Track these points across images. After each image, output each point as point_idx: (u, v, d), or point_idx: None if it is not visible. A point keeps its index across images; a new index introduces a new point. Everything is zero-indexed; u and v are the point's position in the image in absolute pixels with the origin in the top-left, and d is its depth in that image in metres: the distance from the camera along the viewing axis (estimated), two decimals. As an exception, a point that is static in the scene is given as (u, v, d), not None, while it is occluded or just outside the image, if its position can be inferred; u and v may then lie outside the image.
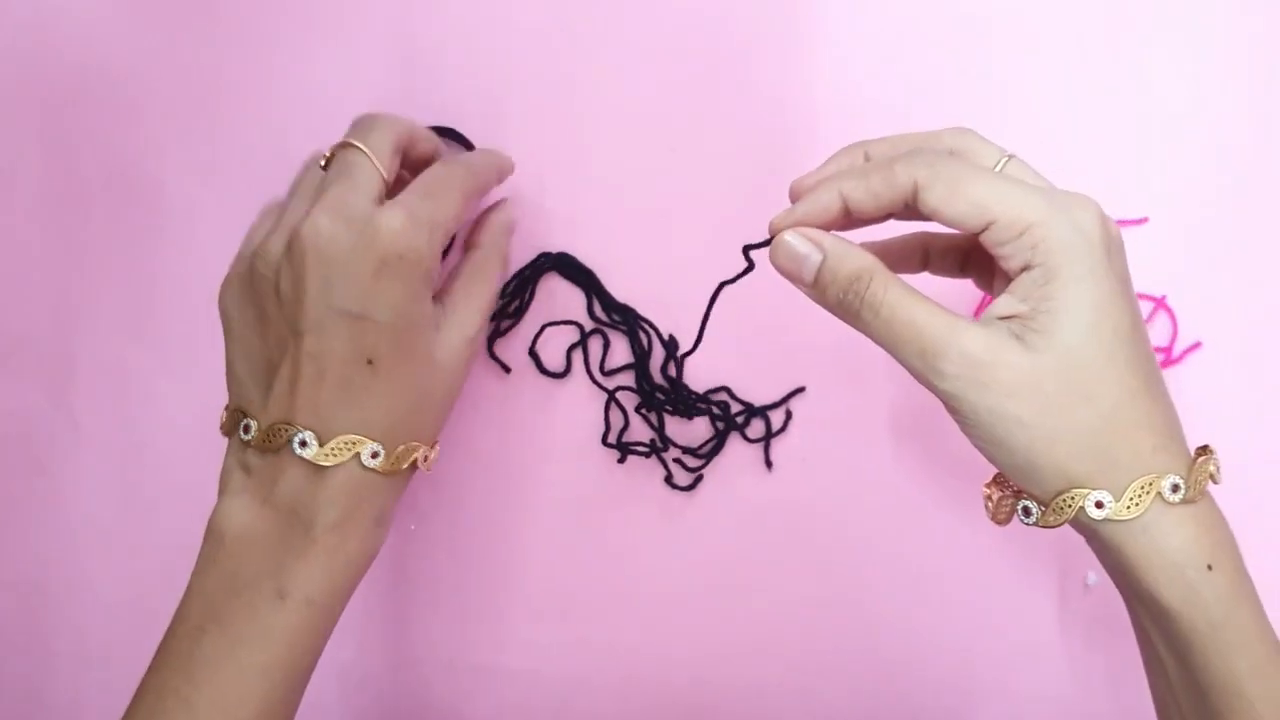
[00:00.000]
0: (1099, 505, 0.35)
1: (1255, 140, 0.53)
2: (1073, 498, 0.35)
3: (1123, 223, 0.52)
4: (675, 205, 0.53)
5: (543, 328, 0.53)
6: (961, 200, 0.35)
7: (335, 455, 0.39)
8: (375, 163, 0.41)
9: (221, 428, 0.42)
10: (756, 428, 0.53)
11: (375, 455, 0.39)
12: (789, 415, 0.53)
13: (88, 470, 0.55)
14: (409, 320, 0.40)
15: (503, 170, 0.49)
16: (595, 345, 0.53)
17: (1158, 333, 0.53)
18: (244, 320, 0.41)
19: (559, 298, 0.53)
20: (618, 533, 0.54)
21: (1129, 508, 0.35)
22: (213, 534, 0.40)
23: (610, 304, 0.53)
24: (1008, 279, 0.36)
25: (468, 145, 0.52)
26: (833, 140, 0.53)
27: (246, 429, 0.40)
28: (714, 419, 0.53)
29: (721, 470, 0.54)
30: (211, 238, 0.55)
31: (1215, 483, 0.37)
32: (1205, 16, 0.53)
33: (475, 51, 0.54)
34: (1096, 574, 0.53)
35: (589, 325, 0.53)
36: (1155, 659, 0.38)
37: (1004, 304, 0.36)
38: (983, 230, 0.35)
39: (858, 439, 0.53)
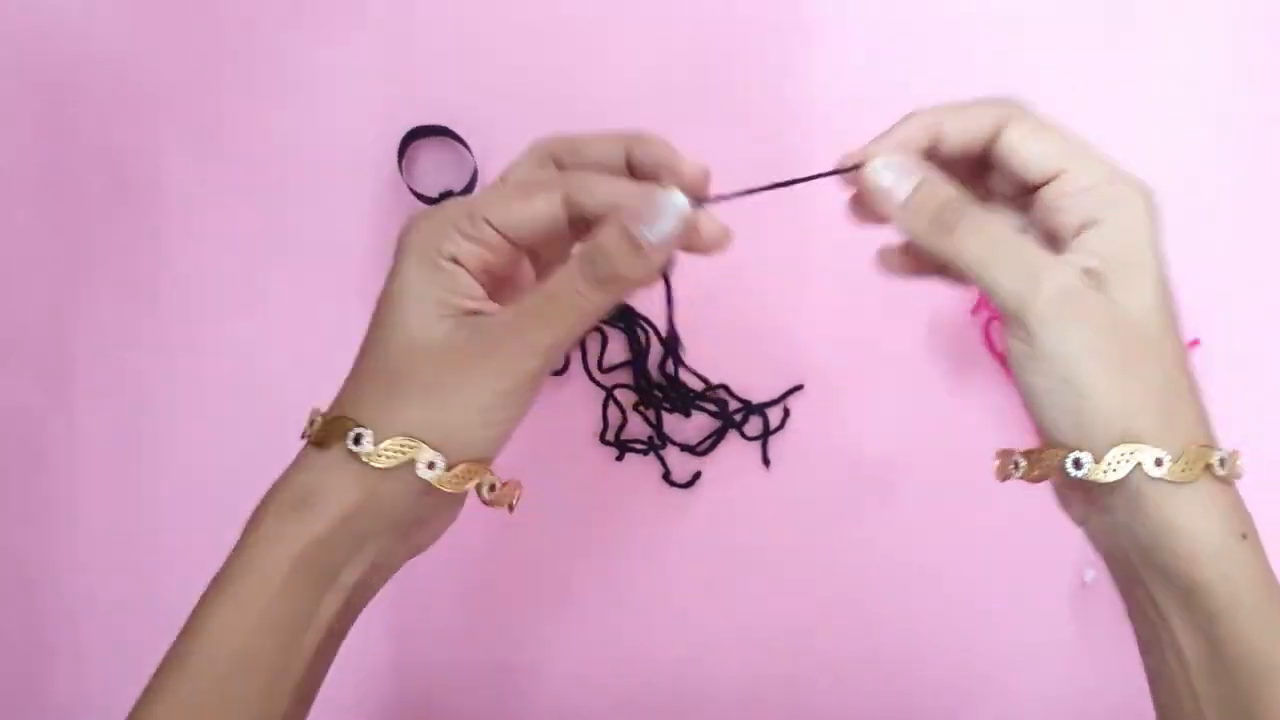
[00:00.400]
0: (1158, 463, 0.34)
1: (1255, 138, 0.53)
2: (1133, 452, 0.34)
3: (1121, 220, 0.53)
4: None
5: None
6: (1042, 142, 0.36)
7: (309, 431, 0.38)
8: (512, 173, 0.38)
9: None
10: (755, 425, 0.53)
11: (312, 424, 0.37)
12: (787, 413, 0.53)
13: (86, 468, 0.55)
14: (391, 293, 0.37)
15: (631, 196, 0.37)
16: (593, 343, 0.53)
17: (1156, 330, 0.52)
18: None
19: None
20: (616, 530, 0.54)
21: (1185, 470, 0.34)
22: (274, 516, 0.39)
23: None
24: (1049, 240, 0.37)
25: (465, 147, 0.52)
26: (833, 138, 0.53)
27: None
28: (712, 416, 0.53)
29: (719, 468, 0.54)
30: (210, 236, 0.55)
31: (1239, 478, 0.36)
32: (1206, 14, 0.53)
33: (474, 49, 0.54)
34: (1095, 571, 0.53)
35: None
36: (1171, 645, 0.36)
37: (1075, 258, 0.36)
38: (1052, 178, 0.36)
39: (856, 437, 0.53)
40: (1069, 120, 0.53)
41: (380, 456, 0.35)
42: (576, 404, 0.53)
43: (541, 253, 0.39)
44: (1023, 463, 0.37)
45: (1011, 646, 0.53)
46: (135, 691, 0.54)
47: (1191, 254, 0.53)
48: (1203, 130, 0.53)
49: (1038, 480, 0.37)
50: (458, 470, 0.36)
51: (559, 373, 0.53)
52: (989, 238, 0.36)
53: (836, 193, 0.53)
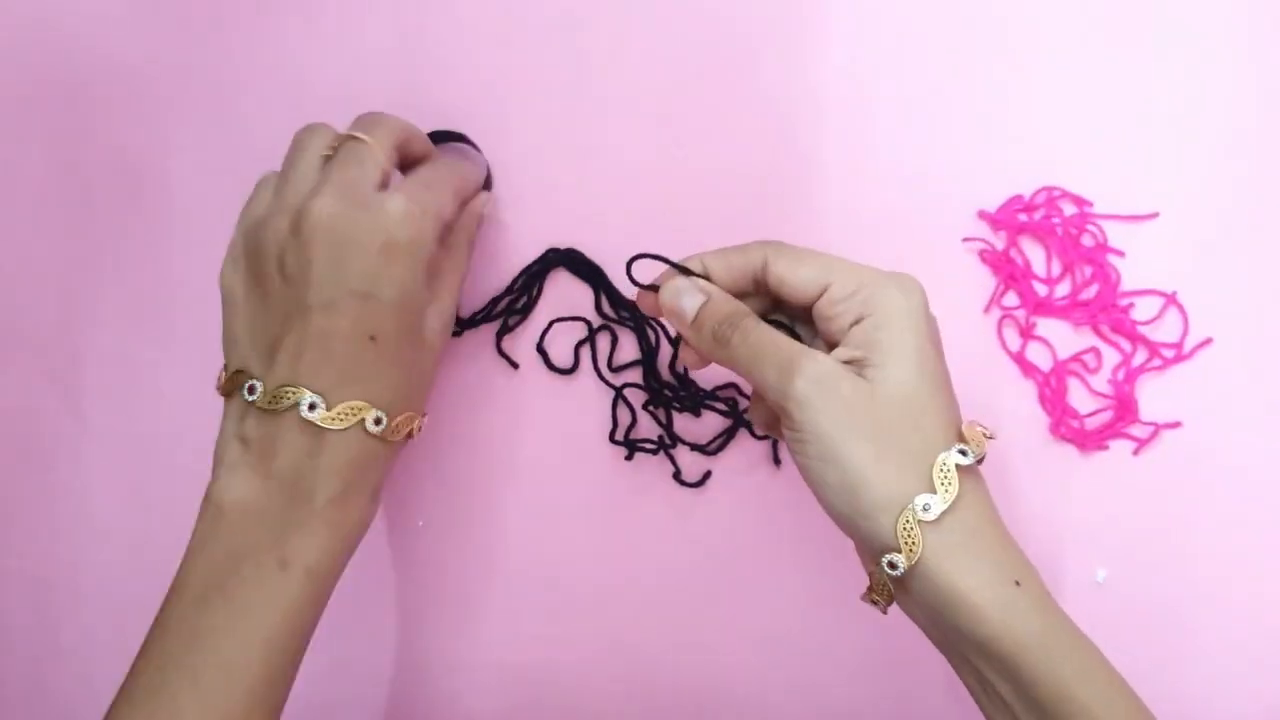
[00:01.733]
0: (926, 508, 0.38)
1: (1267, 135, 0.52)
2: (911, 516, 0.38)
3: (1133, 218, 0.52)
4: (684, 200, 0.53)
5: (550, 324, 0.53)
6: (805, 267, 0.41)
7: (342, 420, 0.40)
8: (380, 154, 0.43)
9: (219, 388, 0.43)
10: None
11: (379, 422, 0.41)
12: None
13: (94, 464, 0.55)
14: (410, 300, 0.42)
15: (477, 180, 0.51)
16: (603, 341, 0.53)
17: (1169, 329, 0.52)
18: (246, 294, 0.42)
19: (567, 294, 0.53)
20: (625, 529, 0.54)
21: (946, 490, 0.38)
22: (211, 506, 0.41)
23: (618, 300, 0.53)
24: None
25: (474, 148, 0.52)
26: (838, 136, 0.53)
27: (251, 389, 0.41)
28: (723, 415, 0.53)
29: (729, 467, 0.53)
30: (216, 231, 0.54)
31: (990, 439, 0.40)
32: (1215, 10, 0.52)
33: (482, 46, 0.54)
34: (1106, 571, 0.53)
35: (596, 322, 0.53)
36: (996, 698, 0.39)
37: (840, 353, 0.40)
38: (821, 293, 0.41)
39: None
40: (1078, 116, 0.53)
41: (336, 420, 0.41)
42: (586, 404, 0.53)
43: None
44: (878, 599, 0.41)
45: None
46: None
47: (1203, 250, 0.53)
48: (1214, 125, 0.52)
49: (889, 603, 0.41)
50: (397, 422, 0.43)
51: (568, 371, 0.53)
52: (755, 342, 0.41)
53: (846, 196, 0.53)
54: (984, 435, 0.40)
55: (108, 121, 0.55)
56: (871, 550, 0.40)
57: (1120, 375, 0.52)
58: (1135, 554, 0.52)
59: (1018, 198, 0.53)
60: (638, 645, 0.54)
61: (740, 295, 0.43)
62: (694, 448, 0.53)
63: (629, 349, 0.53)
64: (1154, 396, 0.52)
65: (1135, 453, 0.53)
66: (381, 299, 0.41)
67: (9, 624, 0.55)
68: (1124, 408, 0.52)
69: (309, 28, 0.54)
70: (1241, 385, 0.52)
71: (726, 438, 0.53)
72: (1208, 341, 0.52)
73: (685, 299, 0.43)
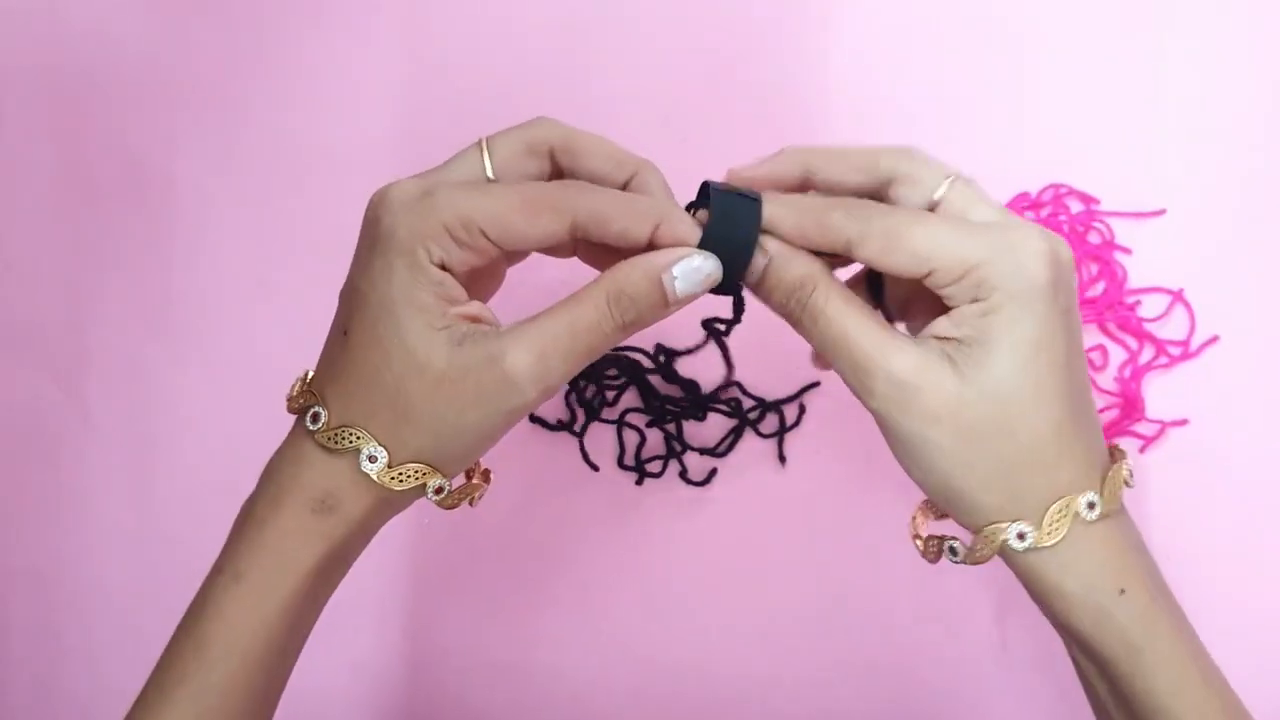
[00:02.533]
0: (1020, 537, 0.35)
1: (1274, 133, 0.52)
2: (995, 531, 0.35)
3: (1140, 215, 0.52)
4: (686, 198, 0.53)
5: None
6: (900, 253, 0.35)
7: (293, 404, 0.38)
8: (485, 157, 0.37)
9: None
10: (770, 424, 0.53)
11: (316, 418, 0.36)
12: (803, 409, 0.53)
13: (99, 462, 0.55)
14: (378, 293, 0.35)
15: (659, 225, 0.35)
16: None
17: (1175, 326, 0.52)
18: None
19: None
20: (634, 528, 0.54)
21: (1049, 534, 0.35)
22: None
23: None
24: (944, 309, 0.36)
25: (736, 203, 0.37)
26: (843, 134, 0.53)
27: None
28: (727, 416, 0.53)
29: (735, 466, 0.53)
30: (223, 229, 0.55)
31: (1129, 487, 0.37)
32: (1224, 7, 0.52)
33: (487, 43, 0.54)
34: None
35: None
36: (1087, 681, 0.38)
37: (943, 325, 0.35)
38: (925, 276, 0.35)
39: (873, 432, 0.52)
40: (1086, 112, 0.53)
41: (398, 480, 0.36)
42: (592, 440, 0.54)
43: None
44: (959, 550, 0.38)
45: (1029, 646, 0.52)
46: (148, 686, 0.55)
47: (1210, 247, 0.53)
48: (1221, 122, 0.52)
49: (978, 563, 0.37)
50: (455, 491, 0.37)
51: (564, 427, 0.53)
52: (824, 331, 0.36)
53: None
54: (1125, 481, 0.37)
55: (115, 120, 0.55)
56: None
57: (1127, 373, 0.52)
58: (1141, 552, 0.52)
59: (1024, 195, 0.52)
60: (646, 642, 0.54)
61: None
62: (702, 451, 0.53)
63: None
64: (1160, 394, 0.52)
65: (1142, 450, 0.52)
66: (359, 288, 0.36)
67: (14, 621, 0.55)
68: (1130, 405, 0.52)
69: (316, 27, 0.54)
70: (1248, 383, 0.52)
71: (734, 438, 0.53)
72: (1214, 339, 0.52)
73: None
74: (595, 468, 0.53)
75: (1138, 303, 0.52)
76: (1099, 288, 0.52)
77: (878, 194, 0.37)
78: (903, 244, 0.34)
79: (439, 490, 0.37)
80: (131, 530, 0.55)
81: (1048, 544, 0.35)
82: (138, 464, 0.55)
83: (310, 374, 0.38)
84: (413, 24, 0.54)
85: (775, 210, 0.36)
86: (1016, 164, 0.53)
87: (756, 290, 0.37)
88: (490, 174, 0.36)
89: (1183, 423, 0.52)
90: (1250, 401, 0.52)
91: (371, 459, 0.35)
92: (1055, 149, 0.53)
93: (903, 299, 0.40)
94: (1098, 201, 0.52)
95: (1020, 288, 0.34)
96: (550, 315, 0.35)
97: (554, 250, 0.37)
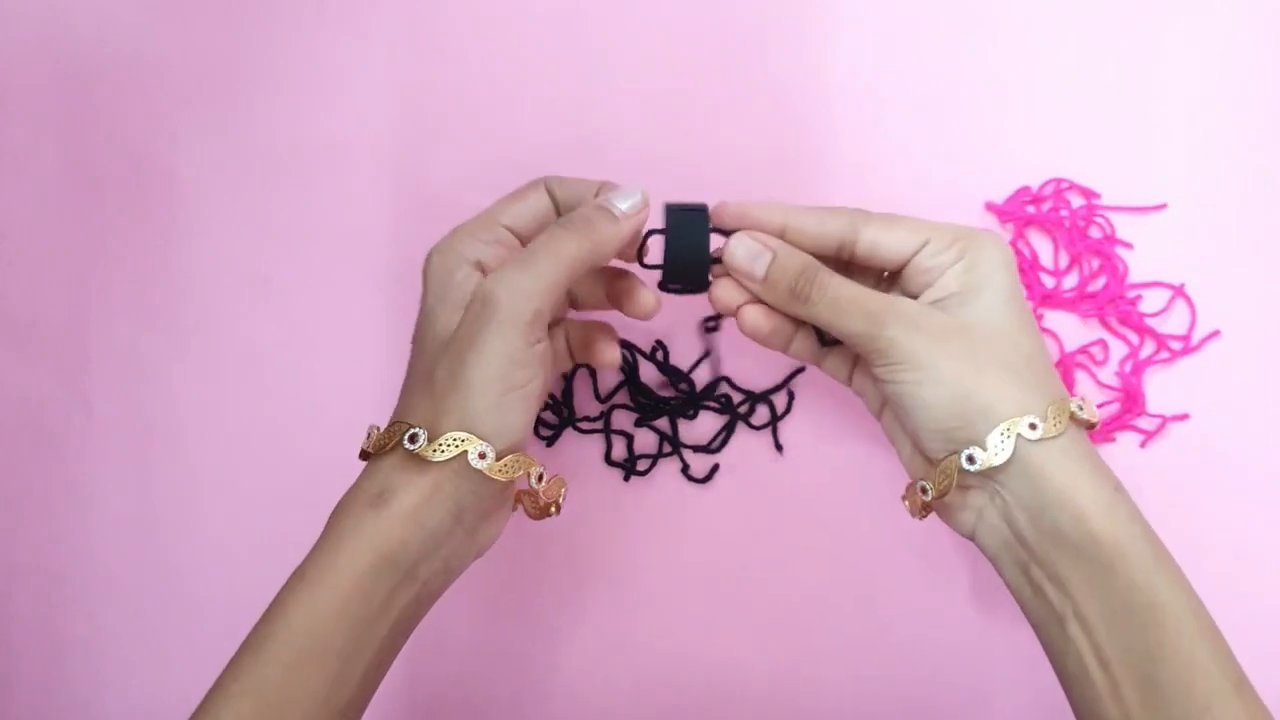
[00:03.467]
0: (1032, 427, 0.39)
1: (1275, 127, 0.52)
2: (1009, 427, 0.39)
3: (1141, 210, 0.52)
4: (691, 194, 0.53)
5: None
6: (900, 228, 0.43)
7: (383, 440, 0.41)
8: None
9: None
10: (762, 415, 0.53)
11: (415, 439, 0.40)
12: (792, 396, 0.53)
13: (102, 456, 0.55)
14: (425, 314, 0.43)
15: (602, 184, 0.45)
16: (585, 383, 0.54)
17: (1176, 321, 0.52)
18: None
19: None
20: (635, 523, 0.54)
21: (1055, 423, 0.39)
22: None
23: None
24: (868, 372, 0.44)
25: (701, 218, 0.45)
26: (846, 128, 0.53)
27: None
28: (718, 412, 0.53)
29: (735, 459, 0.53)
30: (224, 225, 0.55)
31: (1097, 421, 0.42)
32: (1224, 2, 0.52)
33: (488, 38, 0.54)
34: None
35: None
36: (1075, 614, 0.39)
37: (929, 295, 0.42)
38: (917, 251, 0.42)
39: (866, 415, 0.52)
40: (1087, 108, 0.53)
41: (437, 450, 0.39)
42: (593, 439, 0.54)
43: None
44: (929, 485, 0.42)
45: (1029, 632, 0.52)
46: (152, 679, 0.55)
47: (1210, 242, 0.53)
48: (1222, 116, 0.52)
49: (943, 494, 0.41)
50: (506, 460, 0.40)
51: (556, 427, 0.53)
52: (835, 296, 0.42)
53: (854, 188, 0.53)
54: (1095, 411, 0.42)
55: (117, 115, 0.55)
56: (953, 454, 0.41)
57: (1127, 367, 0.52)
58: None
59: (1025, 189, 0.52)
60: (646, 636, 0.54)
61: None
62: (696, 449, 0.53)
63: (609, 374, 0.54)
64: (1161, 389, 0.52)
65: (1142, 445, 0.52)
66: (467, 354, 0.40)
67: (18, 615, 0.55)
68: (1131, 400, 0.52)
69: (317, 21, 0.54)
70: (1249, 377, 0.52)
71: (727, 433, 0.53)
72: (1215, 334, 0.52)
73: (751, 258, 0.43)
74: (613, 463, 0.54)
75: (1139, 297, 0.52)
76: (1100, 282, 0.52)
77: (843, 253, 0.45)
78: (901, 222, 0.43)
79: (482, 456, 0.40)
80: (133, 523, 0.55)
81: (1054, 434, 0.39)
82: (139, 458, 0.55)
83: (377, 429, 0.42)
84: (414, 19, 0.54)
85: (791, 218, 0.44)
86: (1018, 159, 0.53)
87: (763, 283, 0.43)
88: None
89: (1183, 417, 0.52)
90: (1251, 396, 0.52)
91: (412, 439, 0.40)
92: (1056, 144, 0.53)
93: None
94: (1099, 196, 0.52)
95: (995, 256, 0.42)
96: (536, 254, 0.41)
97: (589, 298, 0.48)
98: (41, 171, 0.55)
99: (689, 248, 0.44)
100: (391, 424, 0.41)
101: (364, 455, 0.42)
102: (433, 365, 0.41)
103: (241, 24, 0.55)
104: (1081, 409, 0.40)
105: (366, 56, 0.54)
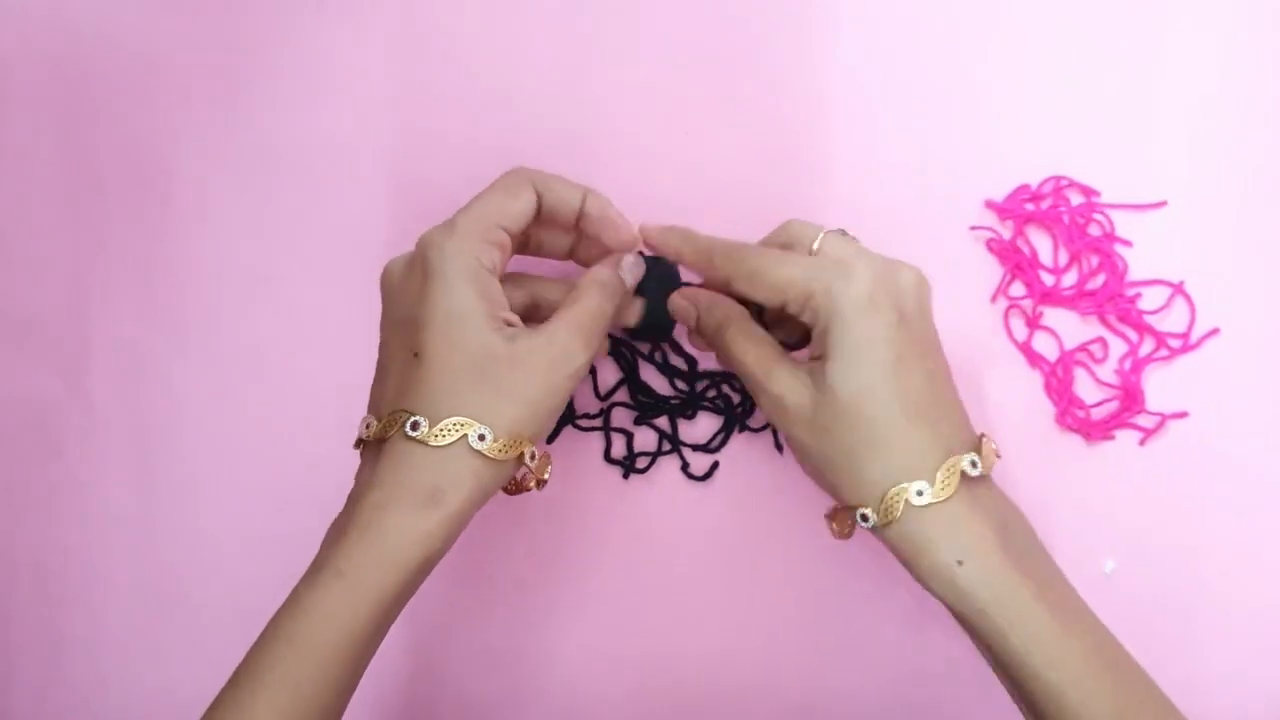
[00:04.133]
0: (864, 519, 0.42)
1: (1276, 125, 0.52)
2: (848, 512, 0.43)
3: (1141, 207, 0.52)
4: (690, 193, 0.53)
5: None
6: (761, 287, 0.44)
7: (388, 428, 0.42)
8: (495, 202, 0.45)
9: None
10: (760, 417, 0.53)
11: (415, 426, 0.41)
12: None
13: (103, 453, 0.55)
14: (446, 312, 0.42)
15: (586, 192, 0.47)
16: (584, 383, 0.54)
17: (1176, 319, 0.52)
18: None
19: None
20: (634, 520, 0.54)
21: (884, 516, 0.42)
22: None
23: None
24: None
25: (669, 268, 0.50)
26: (845, 125, 0.53)
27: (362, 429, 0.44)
28: (717, 413, 0.53)
29: (734, 456, 0.54)
30: (225, 222, 0.55)
31: (974, 473, 0.42)
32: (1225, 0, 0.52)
33: (489, 36, 0.54)
34: (1114, 562, 0.53)
35: None
36: (978, 649, 0.43)
37: (809, 350, 0.45)
38: (783, 306, 0.44)
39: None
40: (1087, 105, 0.53)
41: (504, 451, 0.42)
42: (587, 437, 0.54)
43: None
44: (870, 514, 0.43)
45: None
46: (152, 676, 0.55)
47: (1210, 240, 0.53)
48: (1222, 114, 0.52)
49: (845, 538, 0.45)
50: (504, 441, 0.42)
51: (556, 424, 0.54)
52: (734, 358, 0.46)
53: (854, 185, 0.53)
54: (963, 472, 0.42)
55: (118, 114, 0.55)
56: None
57: (1127, 365, 0.52)
58: (1141, 545, 0.52)
59: (1025, 187, 0.52)
60: (644, 633, 0.54)
61: None
62: (696, 448, 0.53)
63: (609, 371, 0.54)
64: (1160, 386, 0.52)
65: (1141, 443, 0.52)
66: (419, 318, 0.42)
67: (17, 612, 0.55)
68: (1130, 398, 0.52)
69: (317, 20, 0.54)
70: (1248, 375, 0.52)
71: (726, 433, 0.53)
72: (1215, 331, 0.52)
73: (682, 311, 0.49)
74: (613, 460, 0.54)
75: (1138, 295, 0.52)
76: (1099, 280, 0.52)
77: None
78: (763, 280, 0.44)
79: (533, 456, 0.43)
80: (134, 521, 0.55)
81: (883, 524, 0.42)
82: (140, 455, 0.55)
83: (371, 420, 0.44)
84: (413, 17, 0.54)
85: (682, 247, 0.48)
86: (1017, 156, 0.53)
87: (696, 334, 0.49)
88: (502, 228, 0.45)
89: (1183, 415, 0.52)
90: (1250, 394, 0.52)
91: (481, 437, 0.41)
92: (1056, 141, 0.53)
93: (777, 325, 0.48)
94: (1098, 194, 0.52)
95: (843, 305, 0.42)
96: (572, 306, 0.45)
97: (549, 248, 0.49)
98: (42, 169, 0.55)
99: (663, 294, 0.49)
100: (445, 421, 0.41)
101: (359, 444, 0.44)
102: (490, 370, 0.42)
103: (242, 22, 0.54)
104: (922, 493, 0.41)
105: (366, 54, 0.54)
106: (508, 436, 0.42)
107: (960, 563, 0.41)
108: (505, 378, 0.42)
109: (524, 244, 0.48)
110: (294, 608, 0.40)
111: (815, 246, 0.45)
